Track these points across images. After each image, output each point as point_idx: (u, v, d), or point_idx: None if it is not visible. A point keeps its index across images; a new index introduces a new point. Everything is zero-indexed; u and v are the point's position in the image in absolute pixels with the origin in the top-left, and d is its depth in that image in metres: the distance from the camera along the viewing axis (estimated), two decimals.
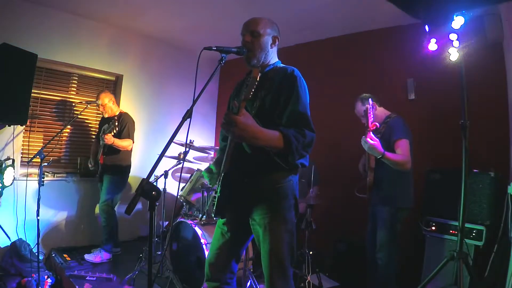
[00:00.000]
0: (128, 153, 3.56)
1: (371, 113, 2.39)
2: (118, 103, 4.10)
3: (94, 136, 3.96)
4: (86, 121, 4.03)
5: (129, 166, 3.60)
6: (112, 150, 3.39)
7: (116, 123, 3.22)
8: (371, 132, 2.35)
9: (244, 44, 1.61)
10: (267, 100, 1.55)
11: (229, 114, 1.33)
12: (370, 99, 2.46)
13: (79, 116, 3.76)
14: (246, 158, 1.55)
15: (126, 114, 3.58)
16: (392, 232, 2.45)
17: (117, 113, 3.55)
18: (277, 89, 1.55)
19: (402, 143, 2.38)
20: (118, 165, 3.47)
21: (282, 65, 1.70)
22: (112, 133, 3.22)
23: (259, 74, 1.40)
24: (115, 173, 3.46)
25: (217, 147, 2.37)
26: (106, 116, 3.54)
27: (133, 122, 3.58)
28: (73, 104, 3.87)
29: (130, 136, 3.49)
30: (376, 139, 2.34)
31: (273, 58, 1.70)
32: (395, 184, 2.46)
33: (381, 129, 2.52)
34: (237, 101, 1.41)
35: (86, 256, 3.32)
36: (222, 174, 1.57)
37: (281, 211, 1.54)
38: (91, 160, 3.65)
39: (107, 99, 3.48)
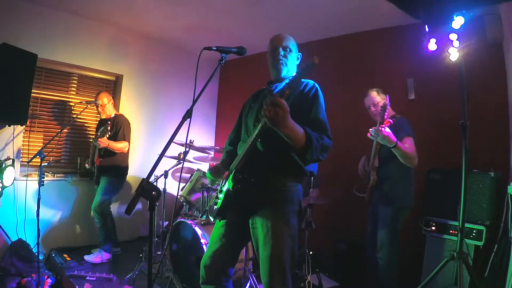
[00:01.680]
0: (125, 154, 3.55)
1: (388, 110, 2.40)
2: (118, 103, 4.11)
3: (94, 137, 3.97)
4: (86, 121, 4.03)
5: (126, 168, 3.60)
6: (108, 152, 3.38)
7: (109, 127, 3.20)
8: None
9: (278, 58, 1.69)
10: (288, 105, 1.57)
11: (276, 97, 1.36)
12: (387, 96, 2.46)
13: (79, 116, 3.76)
14: (257, 157, 1.57)
15: (121, 115, 3.58)
16: (392, 232, 2.45)
17: (112, 115, 3.54)
18: (299, 97, 1.62)
19: (409, 141, 2.38)
20: (116, 166, 3.46)
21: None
22: (106, 136, 3.21)
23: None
24: (113, 174, 3.46)
25: (217, 147, 2.38)
26: (103, 117, 3.54)
27: (129, 123, 3.57)
28: (73, 104, 3.87)
29: (125, 138, 3.47)
30: (388, 130, 2.31)
31: (294, 71, 1.78)
32: (397, 184, 2.46)
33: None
34: (280, 92, 1.42)
35: (86, 257, 3.32)
36: (234, 171, 1.58)
37: (285, 215, 1.55)
38: (89, 161, 3.64)
39: (106, 100, 3.49)
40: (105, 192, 3.41)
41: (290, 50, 1.72)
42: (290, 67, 1.73)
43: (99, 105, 3.47)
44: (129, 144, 3.51)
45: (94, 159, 3.49)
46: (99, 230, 3.44)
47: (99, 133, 3.23)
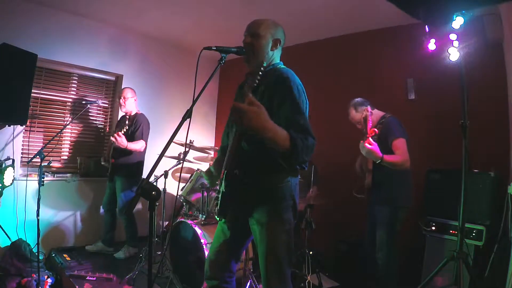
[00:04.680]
0: (140, 153, 3.54)
1: (371, 120, 2.41)
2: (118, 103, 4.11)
3: (94, 136, 3.97)
4: (86, 121, 4.03)
5: (140, 163, 3.58)
6: (123, 150, 3.36)
7: (127, 121, 3.24)
8: (370, 138, 2.35)
9: (244, 44, 1.62)
10: (265, 96, 1.55)
11: (237, 103, 1.28)
12: (369, 107, 2.46)
13: (80, 116, 3.76)
14: (246, 157, 1.56)
15: (141, 114, 3.59)
16: (391, 232, 2.45)
17: (133, 113, 3.56)
18: (272, 90, 1.53)
19: (399, 143, 2.38)
20: (130, 164, 3.45)
21: (282, 67, 1.66)
22: (123, 131, 3.24)
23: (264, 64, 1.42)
24: (126, 173, 3.45)
25: (217, 147, 2.38)
26: (123, 110, 3.55)
27: (148, 123, 3.58)
28: (73, 104, 3.86)
29: (143, 137, 3.48)
30: (374, 143, 2.33)
31: (274, 60, 1.68)
32: (394, 184, 2.46)
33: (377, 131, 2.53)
34: (244, 92, 1.40)
35: (116, 255, 3.44)
36: (225, 172, 1.58)
37: (279, 212, 1.55)
38: (105, 156, 3.66)
39: (130, 94, 3.51)
40: (125, 193, 3.41)
41: (259, 36, 1.59)
42: (260, 54, 1.59)
43: (122, 98, 3.48)
44: (146, 144, 3.51)
45: (110, 156, 3.50)
46: (126, 230, 3.53)
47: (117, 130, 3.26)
